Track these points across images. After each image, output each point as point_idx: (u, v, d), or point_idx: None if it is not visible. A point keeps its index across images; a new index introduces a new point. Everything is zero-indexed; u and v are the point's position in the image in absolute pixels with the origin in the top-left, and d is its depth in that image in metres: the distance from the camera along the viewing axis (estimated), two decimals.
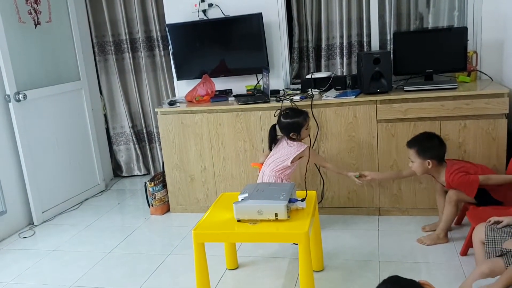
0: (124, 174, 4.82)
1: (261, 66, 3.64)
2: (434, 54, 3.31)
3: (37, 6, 3.80)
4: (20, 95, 3.56)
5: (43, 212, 3.79)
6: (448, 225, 2.82)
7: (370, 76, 3.17)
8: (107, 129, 4.75)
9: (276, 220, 2.24)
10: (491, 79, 3.36)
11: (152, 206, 3.77)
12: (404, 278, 1.41)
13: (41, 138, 3.80)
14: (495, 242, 2.12)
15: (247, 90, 3.80)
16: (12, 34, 3.55)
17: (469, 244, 2.58)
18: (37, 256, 3.19)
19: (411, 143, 2.84)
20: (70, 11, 4.12)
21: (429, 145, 2.78)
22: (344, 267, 2.69)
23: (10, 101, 3.52)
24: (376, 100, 3.15)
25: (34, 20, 3.79)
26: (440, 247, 2.78)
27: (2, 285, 2.83)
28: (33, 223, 3.74)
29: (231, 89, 3.88)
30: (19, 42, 3.64)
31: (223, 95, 3.81)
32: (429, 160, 2.75)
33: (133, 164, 4.79)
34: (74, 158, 4.16)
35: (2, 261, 3.17)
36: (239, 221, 2.31)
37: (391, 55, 3.30)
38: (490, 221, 2.21)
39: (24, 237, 3.54)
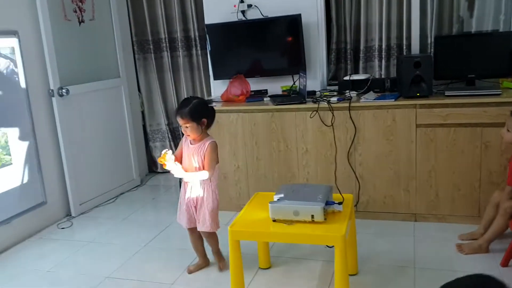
0: (158, 170, 4.90)
1: (298, 67, 3.64)
2: (477, 59, 3.24)
3: (82, 4, 3.91)
4: (63, 90, 3.67)
5: (80, 204, 3.90)
6: (495, 238, 2.71)
7: (410, 80, 3.13)
8: (144, 126, 4.85)
9: (312, 222, 2.24)
10: None
11: None
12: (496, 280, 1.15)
13: (81, 133, 3.91)
14: None
15: (283, 91, 3.81)
16: (57, 31, 3.66)
17: (510, 255, 2.51)
18: (74, 247, 3.28)
19: None
20: (112, 9, 4.23)
21: None
22: (379, 272, 2.66)
23: (53, 96, 3.64)
24: (416, 104, 3.10)
25: (79, 18, 3.90)
26: (479, 257, 2.71)
27: (42, 273, 2.93)
28: (70, 215, 3.85)
29: (266, 90, 3.90)
30: (64, 39, 3.75)
31: (259, 95, 3.82)
32: None
33: None
34: (112, 153, 4.26)
35: (42, 249, 3.28)
36: (274, 221, 2.32)
37: (432, 59, 3.24)
38: None
39: (62, 228, 3.65)
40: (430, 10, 3.60)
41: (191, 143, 2.66)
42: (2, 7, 3.30)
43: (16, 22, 3.40)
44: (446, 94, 3.15)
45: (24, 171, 3.41)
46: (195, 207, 2.69)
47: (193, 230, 2.77)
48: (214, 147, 2.63)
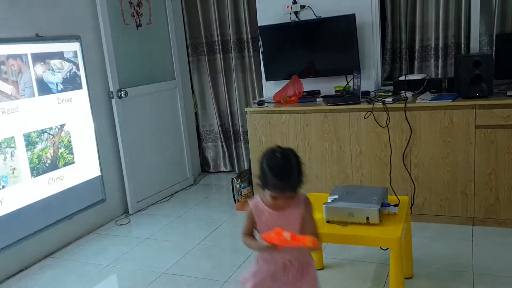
0: (211, 170, 5.00)
1: (352, 67, 3.60)
2: None
3: (139, 9, 4.06)
4: (122, 92, 3.82)
5: (137, 202, 4.04)
6: None
7: (469, 80, 3.03)
8: (197, 127, 4.96)
9: (367, 223, 2.22)
10: None
11: (238, 201, 3.87)
12: None
13: (138, 133, 4.05)
14: None
15: (336, 91, 3.78)
16: (117, 35, 3.82)
17: None
18: (132, 243, 3.41)
19: None
20: (168, 13, 4.35)
21: None
22: (435, 276, 2.59)
23: (113, 98, 3.79)
24: (475, 105, 2.99)
25: (136, 22, 4.05)
26: None
27: (102, 267, 3.07)
28: (128, 212, 4.00)
29: (319, 90, 3.89)
30: (122, 43, 3.90)
31: (311, 95, 3.82)
32: None
33: (219, 161, 4.95)
34: (167, 153, 4.38)
35: (102, 245, 3.43)
36: (328, 222, 2.32)
37: (493, 58, 3.12)
38: None
39: (120, 224, 3.79)
40: (492, 7, 3.47)
41: (273, 210, 1.81)
42: (66, 14, 3.49)
43: (79, 27, 3.57)
44: (508, 94, 3.02)
45: (85, 170, 3.57)
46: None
47: None
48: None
